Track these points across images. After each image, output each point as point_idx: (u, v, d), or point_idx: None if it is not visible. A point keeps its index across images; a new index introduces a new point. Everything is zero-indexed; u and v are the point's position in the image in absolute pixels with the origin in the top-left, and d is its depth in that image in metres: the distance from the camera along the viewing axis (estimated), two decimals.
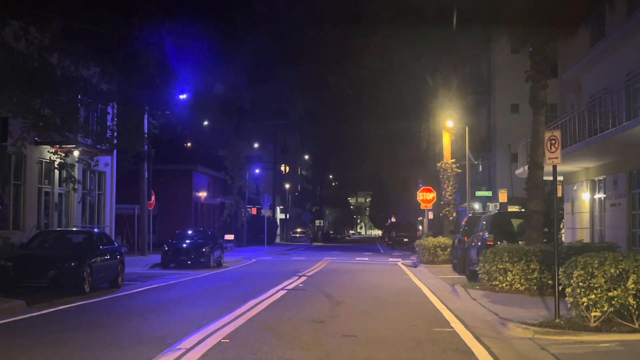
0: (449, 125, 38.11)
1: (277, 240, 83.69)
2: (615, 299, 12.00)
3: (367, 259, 43.26)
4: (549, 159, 13.98)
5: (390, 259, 42.24)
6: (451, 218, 37.46)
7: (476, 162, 55.64)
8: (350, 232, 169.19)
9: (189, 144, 61.15)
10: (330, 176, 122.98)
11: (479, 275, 20.14)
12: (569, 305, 12.84)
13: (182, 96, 31.85)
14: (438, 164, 38.66)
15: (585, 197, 32.48)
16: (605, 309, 12.12)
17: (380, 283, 24.26)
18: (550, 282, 16.59)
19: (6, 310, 15.52)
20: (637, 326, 11.98)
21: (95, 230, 28.27)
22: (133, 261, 31.73)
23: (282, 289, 21.37)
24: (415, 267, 33.20)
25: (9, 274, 19.09)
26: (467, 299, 17.84)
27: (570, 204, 34.61)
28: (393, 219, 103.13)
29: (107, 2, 23.34)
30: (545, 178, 22.17)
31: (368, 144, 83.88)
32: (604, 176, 30.01)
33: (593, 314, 12.24)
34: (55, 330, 13.14)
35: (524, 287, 18.27)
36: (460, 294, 19.19)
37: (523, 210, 26.67)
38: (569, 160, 28.00)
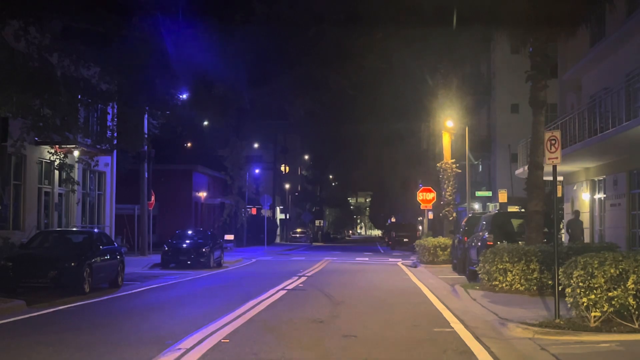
0: (448, 125, 38.10)
1: (277, 240, 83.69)
2: (615, 299, 12.00)
3: (367, 259, 43.25)
4: (549, 159, 13.98)
5: (390, 259, 42.23)
6: (451, 218, 37.44)
7: (476, 162, 55.64)
8: (350, 232, 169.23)
9: (189, 144, 61.18)
10: (330, 176, 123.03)
11: (479, 276, 20.14)
12: (569, 305, 12.83)
13: (182, 96, 31.89)
14: (438, 164, 38.64)
15: (585, 197, 32.47)
16: (605, 309, 12.11)
17: (380, 283, 24.25)
18: (550, 282, 16.59)
19: (6, 310, 15.51)
20: (637, 326, 11.98)
21: (95, 230, 28.27)
22: (133, 261, 31.72)
23: (282, 289, 21.37)
24: (415, 267, 33.19)
25: (9, 274, 19.08)
26: (467, 299, 17.84)
27: (570, 204, 34.60)
28: (393, 219, 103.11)
29: (107, 2, 23.37)
30: (545, 178, 22.16)
31: (368, 144, 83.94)
32: (604, 176, 30.01)
33: (593, 314, 12.23)
34: (55, 331, 13.14)
35: (524, 287, 18.26)
36: (460, 294, 19.19)
37: (523, 210, 26.67)
38: (569, 160, 28.00)
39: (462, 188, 43.06)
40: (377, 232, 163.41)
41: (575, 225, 27.77)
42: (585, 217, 32.36)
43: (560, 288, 13.16)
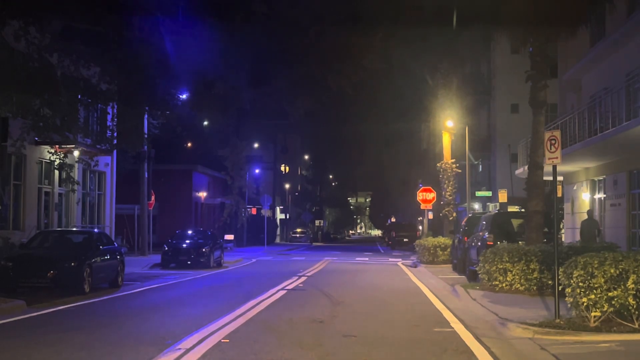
0: (449, 125, 38.11)
1: (277, 240, 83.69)
2: (615, 299, 12.00)
3: (367, 259, 43.25)
4: (549, 159, 13.98)
5: (390, 259, 42.23)
6: (451, 218, 37.44)
7: (476, 162, 55.64)
8: (351, 232, 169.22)
9: (189, 144, 61.16)
10: (330, 176, 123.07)
11: (479, 275, 20.14)
12: (569, 305, 12.83)
13: (182, 96, 31.87)
14: (438, 164, 38.65)
15: (585, 197, 32.47)
16: (605, 309, 12.11)
17: (380, 283, 24.26)
18: (550, 282, 16.59)
19: (6, 310, 15.51)
20: (637, 326, 11.98)
21: (95, 230, 28.27)
22: (133, 261, 31.73)
23: (282, 289, 21.37)
24: (415, 267, 33.20)
25: (9, 274, 19.09)
26: (467, 299, 17.84)
27: (570, 204, 34.60)
28: (393, 219, 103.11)
29: (107, 2, 23.34)
30: (545, 178, 22.16)
31: (368, 144, 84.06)
32: (604, 176, 30.01)
33: (593, 314, 12.23)
34: (55, 330, 13.14)
35: (524, 287, 18.27)
36: (460, 294, 19.19)
37: (523, 210, 26.65)
38: (569, 160, 28.00)
39: (462, 188, 43.06)
40: (377, 232, 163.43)
41: (589, 225, 27.09)
42: (585, 217, 32.32)
43: (560, 288, 13.16)
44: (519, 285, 18.34)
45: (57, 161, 26.90)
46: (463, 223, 29.91)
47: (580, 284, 12.25)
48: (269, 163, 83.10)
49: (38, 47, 21.83)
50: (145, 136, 33.12)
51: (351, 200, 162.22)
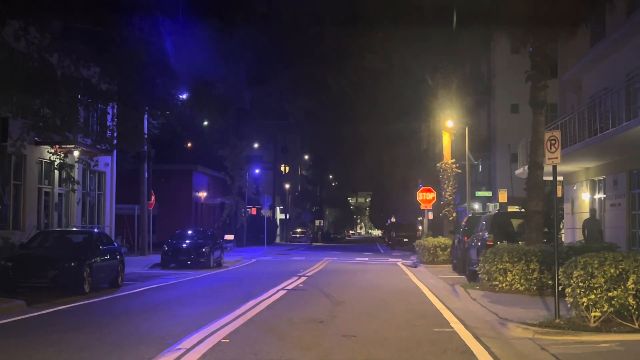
0: (448, 125, 38.11)
1: (277, 240, 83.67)
2: (615, 299, 12.00)
3: (367, 259, 43.25)
4: (549, 159, 13.98)
5: (390, 259, 42.23)
6: (451, 218, 37.44)
7: (476, 162, 55.64)
8: (351, 232, 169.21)
9: (189, 144, 61.20)
10: (330, 176, 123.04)
11: (479, 276, 20.14)
12: (569, 305, 12.83)
13: (182, 96, 31.90)
14: (438, 164, 38.64)
15: (585, 197, 32.47)
16: (605, 309, 12.12)
17: (380, 283, 24.26)
18: (550, 282, 16.59)
19: (6, 310, 15.51)
20: (637, 326, 11.98)
21: (95, 230, 28.26)
22: (133, 261, 31.72)
23: (282, 289, 21.37)
24: (415, 267, 33.19)
25: (9, 274, 19.09)
26: (467, 299, 17.84)
27: (570, 204, 34.60)
28: (393, 219, 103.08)
29: (107, 2, 23.36)
30: (545, 178, 22.16)
31: (368, 144, 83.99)
32: (604, 176, 30.01)
33: (593, 314, 12.24)
34: (55, 331, 13.14)
35: (524, 287, 18.27)
36: (460, 294, 19.19)
37: (523, 210, 26.64)
38: (569, 160, 28.00)
39: (462, 188, 43.06)
40: (377, 232, 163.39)
41: (591, 225, 26.82)
42: (585, 217, 32.32)
43: (560, 288, 13.16)
44: (519, 285, 18.34)
45: (57, 161, 26.90)
46: (463, 223, 29.91)
47: (580, 284, 12.25)
48: (269, 163, 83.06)
49: (38, 47, 21.85)
50: (145, 136, 33.16)
51: (351, 200, 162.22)
